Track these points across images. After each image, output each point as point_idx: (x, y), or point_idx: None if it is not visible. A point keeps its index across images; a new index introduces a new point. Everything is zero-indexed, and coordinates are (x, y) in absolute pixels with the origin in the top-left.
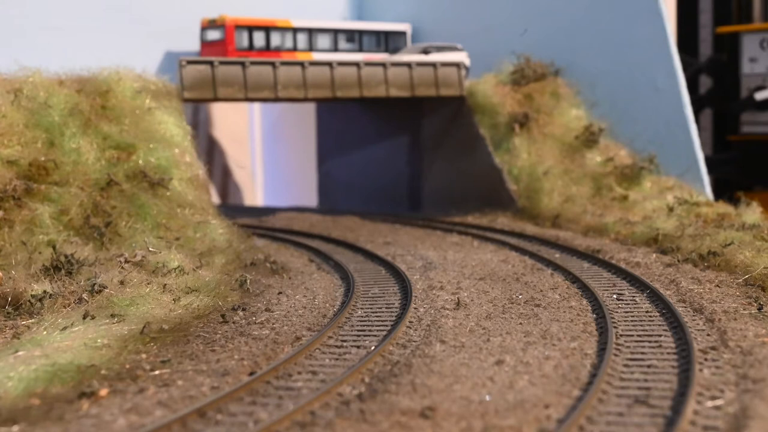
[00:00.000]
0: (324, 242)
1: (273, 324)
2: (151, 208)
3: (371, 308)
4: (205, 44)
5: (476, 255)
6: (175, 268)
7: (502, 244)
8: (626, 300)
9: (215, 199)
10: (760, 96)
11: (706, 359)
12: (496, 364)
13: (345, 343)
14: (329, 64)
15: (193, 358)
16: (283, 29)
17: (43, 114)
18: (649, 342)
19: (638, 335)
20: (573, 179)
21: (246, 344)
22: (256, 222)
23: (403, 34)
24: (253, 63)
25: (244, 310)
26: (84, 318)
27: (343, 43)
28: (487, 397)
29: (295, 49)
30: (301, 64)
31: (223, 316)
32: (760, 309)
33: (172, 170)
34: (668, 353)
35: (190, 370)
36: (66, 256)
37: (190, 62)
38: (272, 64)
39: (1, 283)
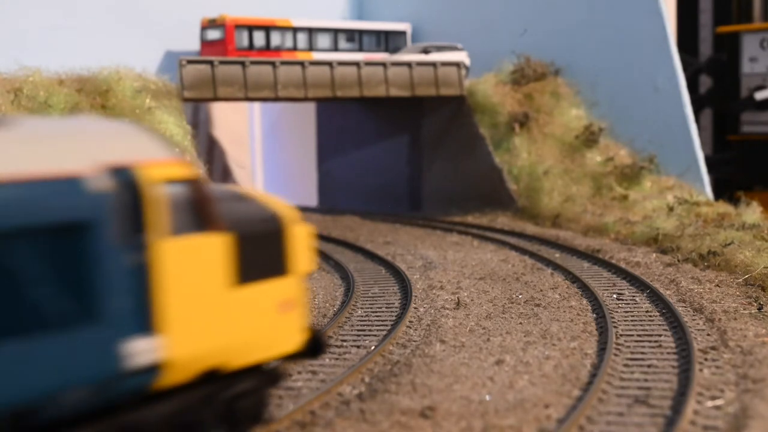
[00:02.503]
0: (324, 241)
1: None
2: None
3: (371, 308)
4: (205, 44)
5: (476, 255)
6: None
7: (502, 244)
8: (626, 300)
9: None
10: (760, 96)
11: (706, 359)
12: (496, 364)
13: (345, 343)
14: (329, 63)
15: None
16: (283, 29)
17: (43, 113)
18: (649, 342)
19: (638, 335)
20: (573, 179)
21: None
22: None
23: (403, 33)
24: (253, 62)
25: None
26: None
27: (343, 43)
28: (487, 397)
29: (295, 48)
30: (301, 63)
31: None
32: (760, 309)
33: None
34: (668, 353)
35: None
36: None
37: (190, 62)
38: (272, 63)
39: None
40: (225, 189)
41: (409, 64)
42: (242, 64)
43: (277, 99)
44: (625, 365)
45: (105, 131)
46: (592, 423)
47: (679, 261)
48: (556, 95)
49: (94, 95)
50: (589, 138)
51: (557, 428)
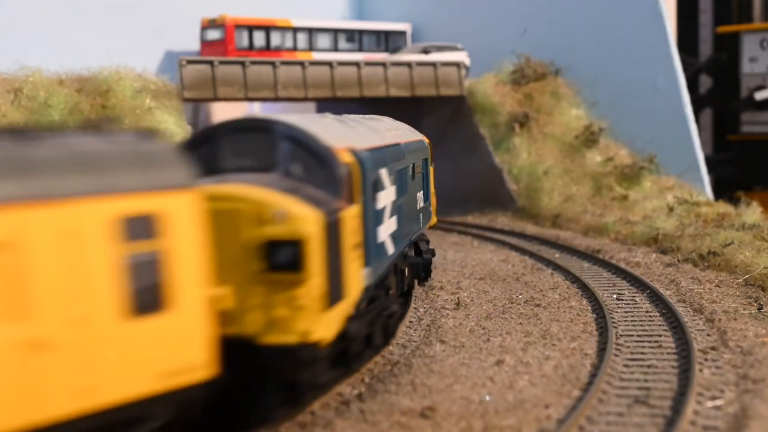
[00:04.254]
0: None
1: None
2: None
3: None
4: (205, 44)
5: (476, 255)
6: None
7: (502, 244)
8: (626, 300)
9: None
10: (760, 96)
11: (706, 359)
12: (496, 364)
13: None
14: (329, 63)
15: None
16: (283, 29)
17: (43, 113)
18: (649, 342)
19: (638, 335)
20: (573, 179)
21: None
22: None
23: (403, 33)
24: (253, 62)
25: None
26: None
27: (343, 43)
28: (487, 397)
29: (295, 48)
30: (301, 63)
31: None
32: (760, 309)
33: None
34: (668, 353)
35: None
36: None
37: (190, 62)
38: (272, 63)
39: None
40: None
41: (409, 64)
42: (242, 64)
43: (277, 99)
44: (625, 365)
45: (408, 127)
46: (592, 423)
47: (679, 261)
48: (556, 95)
49: (94, 95)
50: (589, 138)
51: (557, 428)
